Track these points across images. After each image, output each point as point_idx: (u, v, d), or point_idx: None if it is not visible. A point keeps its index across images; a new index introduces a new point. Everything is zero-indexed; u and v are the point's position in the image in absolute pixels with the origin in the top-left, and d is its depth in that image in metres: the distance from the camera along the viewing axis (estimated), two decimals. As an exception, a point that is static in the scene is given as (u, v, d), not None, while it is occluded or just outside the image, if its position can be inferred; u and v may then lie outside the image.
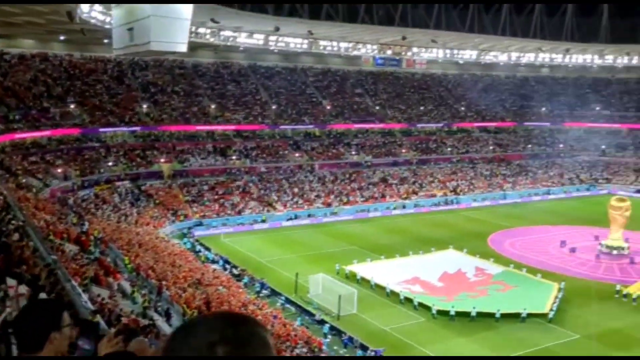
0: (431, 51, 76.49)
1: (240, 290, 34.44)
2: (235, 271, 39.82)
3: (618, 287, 37.71)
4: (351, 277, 39.60)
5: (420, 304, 34.71)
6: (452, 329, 32.08)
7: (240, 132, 68.92)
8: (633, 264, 44.69)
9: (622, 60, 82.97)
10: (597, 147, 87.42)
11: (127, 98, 64.49)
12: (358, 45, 72.20)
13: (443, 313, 33.55)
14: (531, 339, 30.93)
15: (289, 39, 66.20)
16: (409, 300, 35.37)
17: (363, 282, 38.76)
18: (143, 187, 56.47)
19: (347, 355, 28.89)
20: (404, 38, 67.71)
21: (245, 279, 38.00)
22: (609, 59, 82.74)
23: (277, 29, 59.62)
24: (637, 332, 32.09)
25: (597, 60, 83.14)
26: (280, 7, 61.04)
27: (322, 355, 27.55)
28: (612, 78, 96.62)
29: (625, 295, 36.81)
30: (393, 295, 36.46)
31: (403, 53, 77.07)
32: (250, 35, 62.86)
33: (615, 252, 47.08)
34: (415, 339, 30.67)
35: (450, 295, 36.54)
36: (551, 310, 33.88)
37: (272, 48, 67.80)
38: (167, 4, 27.47)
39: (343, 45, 71.12)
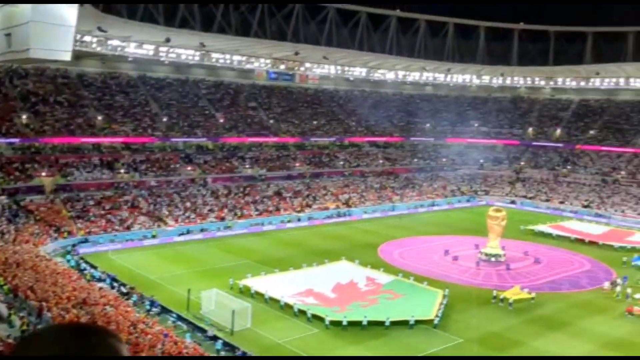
0: (323, 67, 78.50)
1: (129, 309, 33.04)
2: (123, 289, 38.20)
3: (495, 292, 40.40)
4: (245, 292, 39.35)
5: (314, 316, 35.17)
6: (345, 339, 32.78)
7: (129, 144, 66.49)
8: (509, 270, 48.12)
9: (497, 81, 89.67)
10: (476, 161, 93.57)
11: (4, 108, 60.09)
12: (251, 59, 72.49)
13: (336, 323, 34.20)
14: (419, 344, 32.32)
15: (181, 50, 65.13)
16: (302, 312, 35.71)
17: (257, 296, 38.64)
18: (22, 203, 52.75)
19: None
20: (296, 53, 68.91)
21: (134, 297, 36.56)
22: (486, 79, 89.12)
23: (168, 40, 58.43)
24: (513, 334, 34.54)
25: (475, 80, 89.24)
26: (172, 17, 59.94)
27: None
28: (488, 97, 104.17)
29: (502, 300, 39.49)
30: (287, 308, 36.65)
31: (296, 68, 78.44)
32: (139, 46, 61.13)
33: (493, 259, 50.45)
34: (309, 350, 31.05)
35: (343, 305, 37.32)
36: (437, 316, 35.60)
37: (162, 59, 66.39)
38: (49, 4, 26.01)
39: (236, 58, 71.06)
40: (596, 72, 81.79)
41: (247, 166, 72.97)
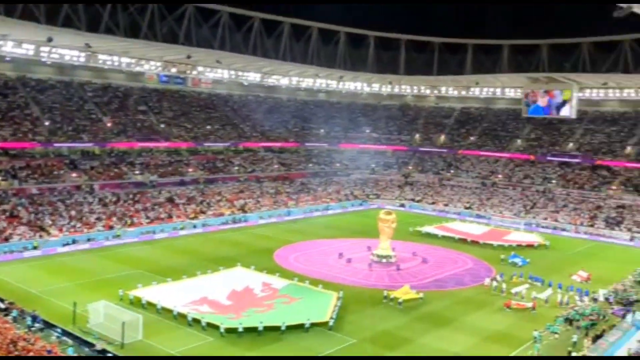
0: (216, 71, 77.62)
1: (8, 325, 30.76)
2: (1, 305, 35.50)
3: (385, 292, 41.94)
4: (136, 303, 37.98)
5: (209, 324, 34.69)
6: (240, 346, 32.60)
7: (7, 150, 61.95)
8: (399, 271, 50.14)
9: (386, 89, 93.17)
10: (367, 166, 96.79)
11: None
12: (141, 62, 70.20)
13: (231, 330, 33.95)
14: (315, 347, 32.82)
15: (64, 50, 61.74)
16: (197, 321, 35.10)
17: (149, 306, 37.43)
18: None
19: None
20: (188, 57, 67.61)
21: (14, 313, 34.09)
22: (376, 87, 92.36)
23: (50, 40, 55.11)
24: (402, 332, 36.01)
25: (366, 88, 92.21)
26: (54, 16, 56.59)
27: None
28: (378, 104, 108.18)
29: (392, 300, 41.05)
30: (180, 317, 35.85)
31: (188, 72, 76.94)
32: (18, 45, 57.28)
33: (384, 260, 52.35)
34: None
35: (239, 312, 37.10)
36: (331, 318, 36.36)
37: (44, 59, 62.56)
38: None
39: (125, 60, 68.47)
40: (476, 82, 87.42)
41: (137, 172, 70.45)
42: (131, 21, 64.67)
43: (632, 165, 79.51)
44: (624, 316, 39.25)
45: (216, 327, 34.19)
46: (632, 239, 66.81)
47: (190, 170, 76.16)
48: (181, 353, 31.14)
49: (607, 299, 43.32)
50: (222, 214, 69.23)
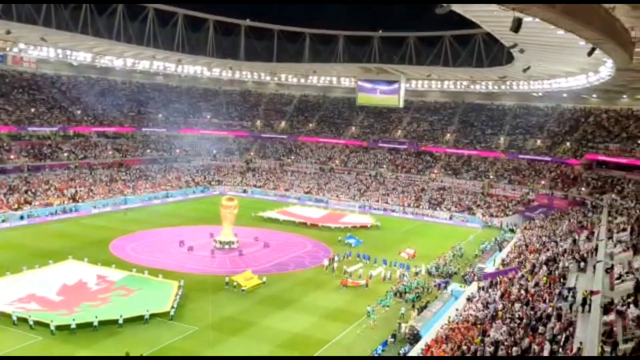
0: (41, 49, 71.15)
1: None
2: None
3: (227, 278, 42.19)
4: (-51, 305, 34.16)
5: (37, 322, 32.35)
6: (74, 343, 30.90)
7: None
8: (242, 256, 50.63)
9: (227, 74, 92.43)
10: (209, 152, 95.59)
11: None
12: (-52, 35, 62.20)
13: (63, 328, 32.01)
14: (155, 338, 32.14)
15: None
16: (23, 319, 32.53)
17: (-35, 308, 33.89)
18: None
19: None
20: (8, 32, 61.26)
21: None
22: (216, 71, 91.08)
23: None
24: (245, 316, 36.60)
25: (206, 72, 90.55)
26: None
27: None
28: (219, 89, 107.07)
29: (235, 285, 41.40)
30: (4, 317, 32.99)
31: (8, 49, 69.75)
32: None
33: (227, 246, 52.51)
34: (32, 361, 28.53)
35: (71, 308, 35.05)
36: (172, 307, 35.78)
37: None
38: None
39: None
40: (313, 70, 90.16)
41: (-53, 160, 62.75)
42: None
43: (451, 151, 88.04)
44: (444, 287, 43.64)
45: (46, 326, 31.99)
46: (451, 218, 74.08)
47: (12, 157, 69.43)
48: (6, 355, 28.71)
49: (429, 273, 47.81)
50: (50, 204, 64.25)
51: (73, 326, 31.98)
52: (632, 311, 23.24)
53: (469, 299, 37.38)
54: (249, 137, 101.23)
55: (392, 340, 33.71)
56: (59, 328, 31.99)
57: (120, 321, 33.21)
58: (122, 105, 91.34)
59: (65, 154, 76.33)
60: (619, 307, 24.36)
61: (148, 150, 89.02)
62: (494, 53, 68.96)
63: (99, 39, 70.94)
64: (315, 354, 31.50)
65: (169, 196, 78.74)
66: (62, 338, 31.41)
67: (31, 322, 32.31)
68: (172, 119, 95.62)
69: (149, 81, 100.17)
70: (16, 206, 60.93)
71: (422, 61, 79.60)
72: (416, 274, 47.26)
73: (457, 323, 32.42)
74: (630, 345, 20.55)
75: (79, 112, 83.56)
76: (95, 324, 32.56)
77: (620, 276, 28.86)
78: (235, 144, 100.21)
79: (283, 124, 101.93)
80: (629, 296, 25.31)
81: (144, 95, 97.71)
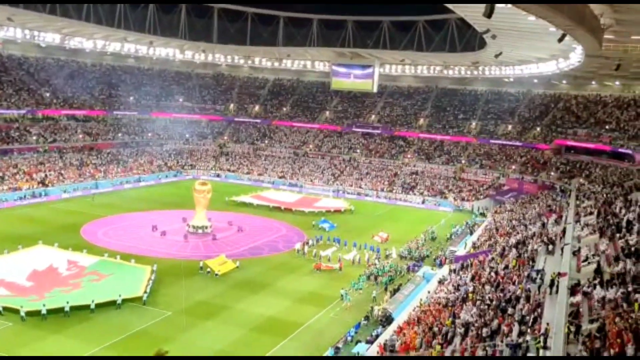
0: (7, 30, 69.22)
1: None
2: None
3: (201, 263, 42.08)
4: None
5: (6, 308, 31.92)
6: (45, 329, 30.58)
7: None
8: (215, 240, 50.49)
9: (200, 57, 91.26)
10: (182, 136, 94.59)
11: None
12: None
13: (34, 313, 31.63)
14: (127, 323, 31.97)
15: None
16: (-7, 306, 32.07)
17: None
18: None
19: None
20: (-30, 11, 59.49)
21: None
22: (189, 54, 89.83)
23: None
24: (219, 300, 36.62)
25: (179, 55, 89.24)
26: None
27: None
28: (192, 72, 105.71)
29: (209, 271, 41.31)
30: (-28, 304, 32.43)
31: (-29, 29, 67.77)
32: None
33: (200, 231, 52.26)
34: (2, 347, 28.12)
35: (41, 293, 34.62)
36: (145, 292, 35.59)
37: None
38: None
39: None
40: (287, 54, 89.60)
41: None
42: None
43: (424, 136, 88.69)
44: (415, 270, 44.25)
45: (16, 312, 31.57)
46: (423, 202, 74.88)
47: (-23, 140, 67.80)
48: (-26, 343, 28.32)
49: (401, 256, 48.38)
50: (19, 188, 63.04)
51: (44, 312, 31.61)
52: (598, 292, 23.90)
53: (441, 282, 38.02)
54: (223, 121, 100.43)
55: (365, 322, 34.14)
56: (30, 314, 31.59)
57: (92, 306, 32.93)
58: (93, 88, 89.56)
59: (34, 138, 74.77)
60: (585, 289, 25.02)
61: (119, 134, 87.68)
62: (467, 38, 69.52)
63: (67, 20, 69.30)
64: (289, 337, 31.72)
65: (141, 180, 77.85)
66: (32, 324, 31.04)
67: (0, 308, 31.85)
68: (144, 102, 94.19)
69: (120, 64, 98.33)
70: (-17, 191, 59.67)
71: (396, 46, 79.78)
72: (387, 256, 47.80)
73: (429, 305, 32.98)
74: (595, 325, 21.16)
75: (47, 94, 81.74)
76: (67, 309, 32.25)
77: (586, 258, 29.61)
78: (208, 128, 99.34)
79: (257, 108, 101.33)
80: (594, 278, 26.03)
81: (115, 77, 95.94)
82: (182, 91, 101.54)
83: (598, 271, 26.59)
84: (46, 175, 67.98)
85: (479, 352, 23.12)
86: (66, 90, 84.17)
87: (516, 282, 30.70)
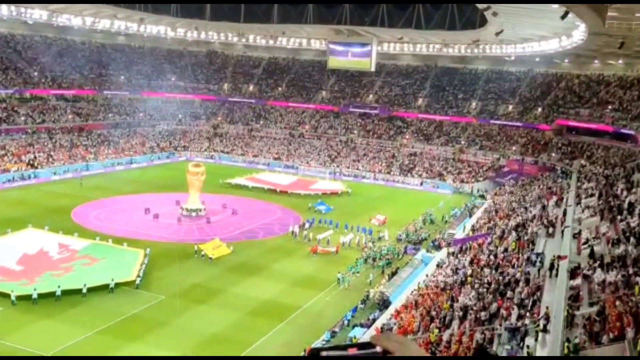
0: (-7, 7, 67.45)
1: None
2: None
3: (196, 246, 41.25)
4: None
5: (-3, 293, 31.17)
6: (36, 313, 29.89)
7: None
8: (209, 223, 49.59)
9: (192, 34, 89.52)
10: (174, 116, 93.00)
11: None
12: None
13: (25, 298, 30.89)
14: (120, 307, 31.27)
15: None
16: (-18, 291, 31.26)
17: None
18: None
19: None
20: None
21: None
22: (181, 32, 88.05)
23: None
24: (214, 284, 35.92)
25: (170, 33, 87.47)
26: None
27: None
28: (184, 50, 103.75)
29: (203, 255, 40.48)
30: (-40, 289, 31.60)
31: (-44, 5, 65.89)
32: None
33: (194, 214, 51.34)
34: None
35: (32, 277, 33.84)
36: (138, 276, 34.81)
37: None
38: None
39: None
40: (282, 31, 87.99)
41: None
42: None
43: (422, 116, 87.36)
44: (412, 253, 43.62)
45: (7, 296, 30.79)
46: (421, 184, 74.08)
47: (-35, 120, 66.32)
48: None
49: (398, 239, 47.64)
50: (7, 170, 61.76)
51: (35, 296, 30.84)
52: (598, 275, 23.42)
53: (439, 265, 37.44)
54: (216, 101, 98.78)
55: (362, 306, 33.58)
56: (20, 298, 30.84)
57: (84, 290, 32.18)
58: (82, 66, 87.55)
59: (22, 118, 73.21)
60: (585, 272, 24.53)
61: (110, 114, 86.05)
62: (467, 16, 68.21)
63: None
64: (286, 320, 31.13)
65: (133, 162, 76.54)
66: (23, 308, 30.37)
67: (-10, 293, 31.10)
68: (135, 82, 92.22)
69: (110, 42, 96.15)
70: (-29, 172, 58.44)
71: (394, 23, 78.36)
72: (379, 238, 47.05)
73: (427, 289, 32.40)
74: (595, 308, 20.76)
75: (35, 73, 79.91)
76: (58, 293, 31.50)
77: (587, 241, 29.06)
78: (201, 108, 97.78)
79: (251, 87, 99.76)
80: (594, 260, 25.51)
81: (105, 56, 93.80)
82: (174, 70, 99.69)
83: (592, 255, 26.18)
84: (35, 157, 66.64)
85: (478, 336, 22.69)
86: (55, 69, 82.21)
87: (515, 265, 30.20)
